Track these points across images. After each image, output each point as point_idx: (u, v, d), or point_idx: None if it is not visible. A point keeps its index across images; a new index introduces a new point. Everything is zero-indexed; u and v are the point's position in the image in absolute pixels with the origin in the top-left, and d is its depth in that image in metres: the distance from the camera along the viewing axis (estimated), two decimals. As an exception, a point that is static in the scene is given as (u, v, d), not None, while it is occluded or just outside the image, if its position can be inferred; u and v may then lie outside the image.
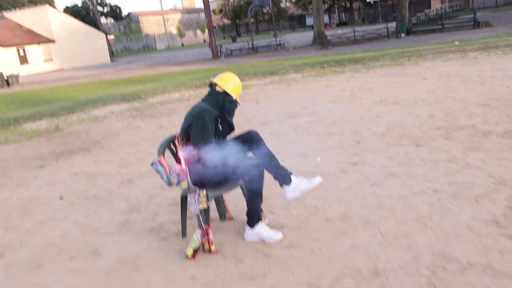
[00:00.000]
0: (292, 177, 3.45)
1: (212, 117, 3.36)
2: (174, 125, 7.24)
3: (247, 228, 3.38)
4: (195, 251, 3.19)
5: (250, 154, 3.47)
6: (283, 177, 3.45)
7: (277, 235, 3.34)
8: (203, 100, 3.48)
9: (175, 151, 3.49)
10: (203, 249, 3.25)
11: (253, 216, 3.34)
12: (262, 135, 3.61)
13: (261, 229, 3.34)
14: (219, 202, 3.76)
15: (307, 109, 7.95)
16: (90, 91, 15.86)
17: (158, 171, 3.26)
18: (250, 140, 3.46)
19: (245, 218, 3.74)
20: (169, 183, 3.27)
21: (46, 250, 3.60)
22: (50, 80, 24.83)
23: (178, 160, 3.31)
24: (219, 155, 3.21)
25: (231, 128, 3.54)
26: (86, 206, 4.51)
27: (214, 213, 3.84)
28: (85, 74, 26.85)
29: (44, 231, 3.99)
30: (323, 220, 3.56)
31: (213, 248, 3.24)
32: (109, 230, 3.88)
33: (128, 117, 9.35)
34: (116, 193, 4.78)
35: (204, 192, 3.22)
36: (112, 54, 45.63)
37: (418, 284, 2.58)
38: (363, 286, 2.62)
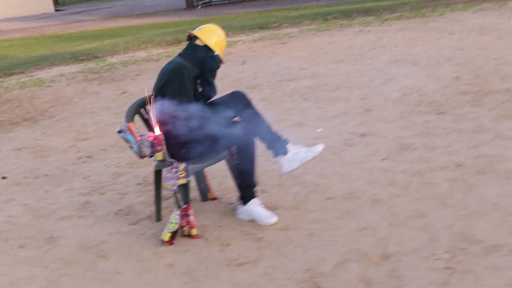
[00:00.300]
0: (289, 146, 3.65)
1: (191, 76, 3.52)
2: (142, 90, 7.39)
3: (240, 204, 3.63)
4: (173, 235, 3.40)
5: (236, 118, 3.64)
6: (278, 146, 3.63)
7: (270, 218, 3.55)
8: (180, 55, 3.64)
9: (147, 117, 3.66)
10: (182, 232, 3.45)
11: (246, 191, 3.58)
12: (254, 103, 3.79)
13: (253, 207, 3.57)
14: (201, 179, 3.95)
15: (306, 70, 8.14)
16: (30, 48, 15.83)
17: (126, 140, 3.43)
18: (236, 102, 3.63)
19: (231, 198, 3.97)
20: (140, 155, 3.45)
21: (-10, 238, 3.78)
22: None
23: (151, 127, 3.49)
24: (200, 120, 3.38)
25: (212, 91, 3.71)
26: (36, 186, 4.68)
27: (194, 193, 4.03)
28: (22, 26, 26.62)
29: (-14, 215, 4.16)
30: (324, 200, 3.79)
31: (194, 231, 3.45)
32: (66, 213, 4.06)
33: (82, 80, 9.46)
34: (73, 171, 4.95)
35: (184, 165, 3.40)
36: (56, 1, 45.11)
37: (434, 268, 2.81)
38: (370, 271, 2.85)
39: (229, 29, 13.64)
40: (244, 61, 9.42)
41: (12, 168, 5.19)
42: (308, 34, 11.99)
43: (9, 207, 4.28)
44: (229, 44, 11.29)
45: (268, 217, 3.56)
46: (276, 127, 3.77)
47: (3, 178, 4.93)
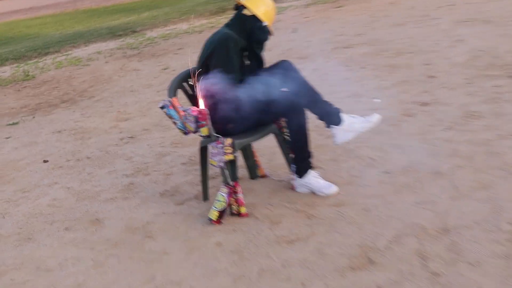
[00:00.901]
0: (343, 115, 3.83)
1: (238, 47, 3.74)
2: (184, 64, 7.67)
3: (296, 177, 3.86)
4: (221, 214, 3.65)
5: (284, 89, 3.84)
6: (331, 115, 3.81)
7: (330, 188, 3.79)
8: (226, 25, 3.86)
9: (191, 91, 3.91)
10: (230, 211, 3.71)
11: (301, 163, 3.80)
12: (303, 73, 3.97)
13: (311, 179, 3.80)
14: (248, 156, 4.19)
15: (363, 36, 8.23)
16: (64, 25, 16.42)
17: (170, 116, 3.69)
18: (282, 72, 3.82)
19: (281, 175, 4.19)
20: (185, 131, 3.71)
21: (36, 221, 4.13)
22: (4, 12, 25.56)
23: (195, 102, 3.73)
24: (247, 92, 3.60)
25: (260, 63, 3.91)
26: (79, 169, 5.03)
27: (243, 171, 4.27)
28: (54, 1, 27.49)
29: (30, 199, 4.53)
30: (380, 174, 3.96)
31: (243, 209, 3.69)
32: (110, 195, 4.38)
33: (121, 57, 9.84)
34: (115, 152, 5.28)
35: (230, 140, 3.64)
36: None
37: (496, 241, 2.96)
38: (428, 245, 3.02)
39: (279, -6, 13.79)
40: (295, 29, 9.58)
41: (53, 151, 5.57)
42: (366, -5, 12.02)
43: (53, 190, 4.64)
44: (278, 11, 11.46)
45: (328, 188, 3.79)
46: (330, 99, 3.94)
47: (45, 161, 5.32)
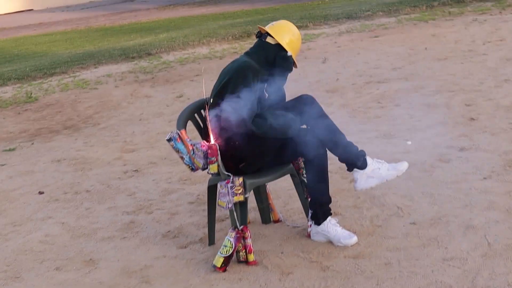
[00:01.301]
0: (368, 159, 3.88)
1: (257, 78, 3.80)
2: (201, 93, 7.75)
3: (312, 224, 3.89)
4: (226, 260, 3.68)
5: (303, 127, 3.89)
6: (354, 158, 3.86)
7: (349, 238, 3.82)
8: (246, 53, 3.95)
9: (202, 123, 3.98)
10: (237, 258, 3.74)
11: (318, 209, 3.85)
12: (330, 108, 4.05)
13: (329, 226, 3.83)
14: (262, 197, 4.23)
15: (400, 70, 8.29)
16: (74, 43, 16.73)
17: (177, 150, 3.76)
18: (303, 107, 3.87)
19: (296, 220, 4.23)
20: (192, 167, 3.77)
21: (25, 258, 4.21)
22: (13, 27, 26.12)
23: (206, 136, 3.80)
24: (263, 127, 3.65)
25: (280, 96, 3.98)
26: (76, 203, 5.12)
27: (255, 213, 4.32)
28: (66, 17, 28.01)
29: (21, 234, 4.62)
30: (407, 225, 3.98)
31: (251, 257, 3.72)
32: (108, 234, 4.45)
33: (133, 82, 10.00)
34: (118, 187, 5.36)
35: (241, 179, 3.70)
36: (106, -12, 46.95)
37: (531, 307, 2.96)
38: (453, 307, 3.04)
39: (310, 19, 13.93)
40: (326, 59, 9.66)
41: (50, 182, 5.67)
42: (407, 25, 12.08)
43: (46, 225, 4.72)
44: (309, 38, 11.60)
45: (347, 237, 3.82)
46: (357, 139, 3.99)
47: (40, 193, 5.42)
